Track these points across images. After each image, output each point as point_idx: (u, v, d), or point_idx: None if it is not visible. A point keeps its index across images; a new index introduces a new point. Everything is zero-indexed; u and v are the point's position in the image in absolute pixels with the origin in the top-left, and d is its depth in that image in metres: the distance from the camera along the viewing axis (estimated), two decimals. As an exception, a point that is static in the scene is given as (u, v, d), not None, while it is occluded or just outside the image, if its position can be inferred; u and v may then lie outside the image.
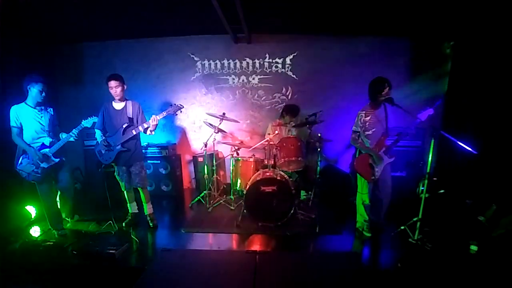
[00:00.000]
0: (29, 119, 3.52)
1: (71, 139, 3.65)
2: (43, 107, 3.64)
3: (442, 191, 4.50)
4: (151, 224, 4.12)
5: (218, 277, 2.54)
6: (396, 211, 3.89)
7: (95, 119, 3.81)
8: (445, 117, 5.04)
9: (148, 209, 4.16)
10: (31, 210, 4.15)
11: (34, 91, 3.47)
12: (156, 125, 3.84)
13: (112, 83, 3.73)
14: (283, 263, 2.79)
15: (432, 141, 3.34)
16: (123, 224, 4.06)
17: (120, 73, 3.85)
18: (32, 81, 3.45)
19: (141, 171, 4.00)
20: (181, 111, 3.93)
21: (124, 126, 3.80)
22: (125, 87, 3.86)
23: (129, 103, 3.92)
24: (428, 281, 2.85)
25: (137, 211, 4.24)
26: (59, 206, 3.95)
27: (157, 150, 5.45)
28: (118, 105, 3.90)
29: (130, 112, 3.89)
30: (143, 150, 4.52)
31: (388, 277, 2.94)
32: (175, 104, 3.89)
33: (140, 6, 4.14)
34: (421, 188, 4.70)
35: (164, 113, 3.82)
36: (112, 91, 3.77)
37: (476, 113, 4.46)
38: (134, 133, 3.81)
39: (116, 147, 3.82)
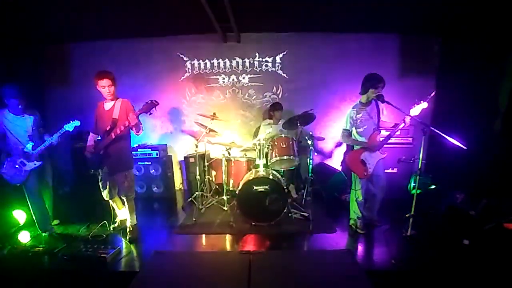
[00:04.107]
0: (12, 124, 3.58)
1: (54, 142, 3.59)
2: (26, 114, 3.68)
3: (433, 186, 4.54)
4: (128, 236, 3.69)
5: (212, 279, 2.51)
6: (388, 207, 3.91)
7: (77, 123, 3.56)
8: (435, 113, 5.08)
9: (130, 220, 3.79)
10: (20, 215, 4.03)
11: (12, 104, 3.54)
12: (137, 124, 3.33)
13: (104, 82, 3.34)
14: (278, 263, 2.77)
15: (423, 137, 3.37)
16: (111, 228, 3.95)
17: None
18: (7, 96, 3.48)
19: (124, 181, 3.59)
20: (155, 109, 3.32)
21: (107, 129, 3.41)
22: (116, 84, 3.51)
23: (118, 102, 3.51)
24: (422, 276, 2.87)
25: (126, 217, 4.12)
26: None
27: (148, 152, 5.38)
28: (107, 105, 3.54)
29: (117, 112, 3.47)
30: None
31: (383, 274, 2.95)
32: (150, 101, 3.29)
33: (128, 6, 4.08)
34: (412, 184, 4.75)
35: (137, 112, 3.28)
36: (104, 91, 3.40)
37: (464, 109, 4.50)
38: (113, 136, 3.37)
39: (99, 153, 3.50)
